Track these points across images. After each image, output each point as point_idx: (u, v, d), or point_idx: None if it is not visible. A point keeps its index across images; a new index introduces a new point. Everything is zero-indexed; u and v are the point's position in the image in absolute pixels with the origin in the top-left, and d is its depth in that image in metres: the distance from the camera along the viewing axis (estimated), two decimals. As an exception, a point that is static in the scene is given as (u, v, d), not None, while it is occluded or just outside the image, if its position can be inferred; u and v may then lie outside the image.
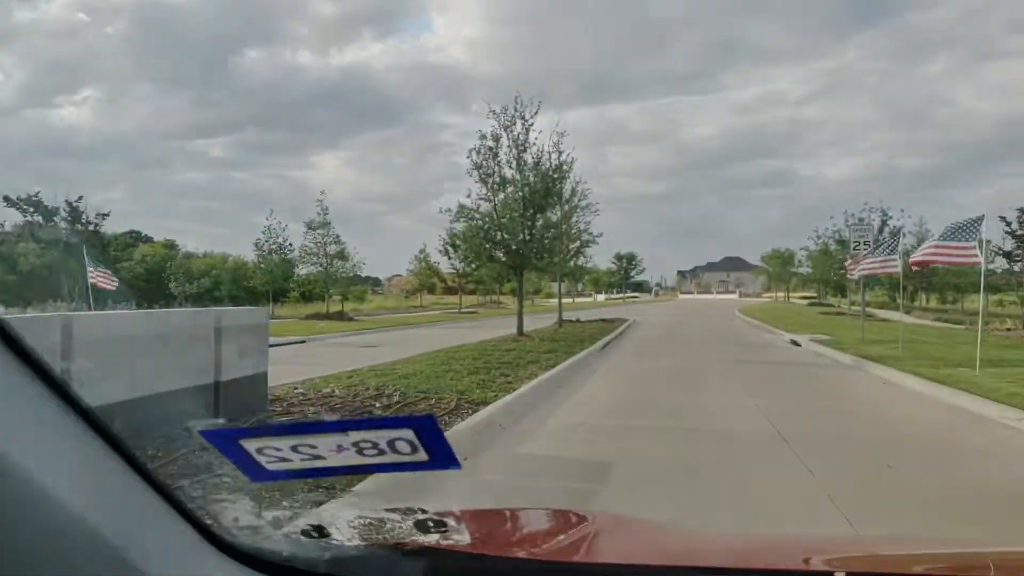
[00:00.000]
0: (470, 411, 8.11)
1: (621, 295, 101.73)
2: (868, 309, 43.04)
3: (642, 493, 5.57)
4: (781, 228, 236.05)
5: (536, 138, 18.89)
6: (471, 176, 18.90)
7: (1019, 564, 1.55)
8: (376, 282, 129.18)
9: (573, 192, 24.57)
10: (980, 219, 12.42)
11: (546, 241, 18.94)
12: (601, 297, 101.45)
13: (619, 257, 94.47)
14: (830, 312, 46.07)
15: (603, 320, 30.38)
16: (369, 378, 10.57)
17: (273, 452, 0.99)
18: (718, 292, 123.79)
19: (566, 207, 24.36)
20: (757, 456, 6.83)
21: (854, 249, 20.29)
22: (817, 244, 47.41)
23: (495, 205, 18.59)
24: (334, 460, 1.00)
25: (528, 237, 18.82)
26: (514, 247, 18.31)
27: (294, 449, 0.99)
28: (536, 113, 18.74)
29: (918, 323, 38.20)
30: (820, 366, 15.86)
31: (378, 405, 8.00)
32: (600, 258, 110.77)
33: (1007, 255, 29.81)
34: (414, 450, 1.00)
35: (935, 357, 15.87)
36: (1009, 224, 28.87)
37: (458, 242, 19.29)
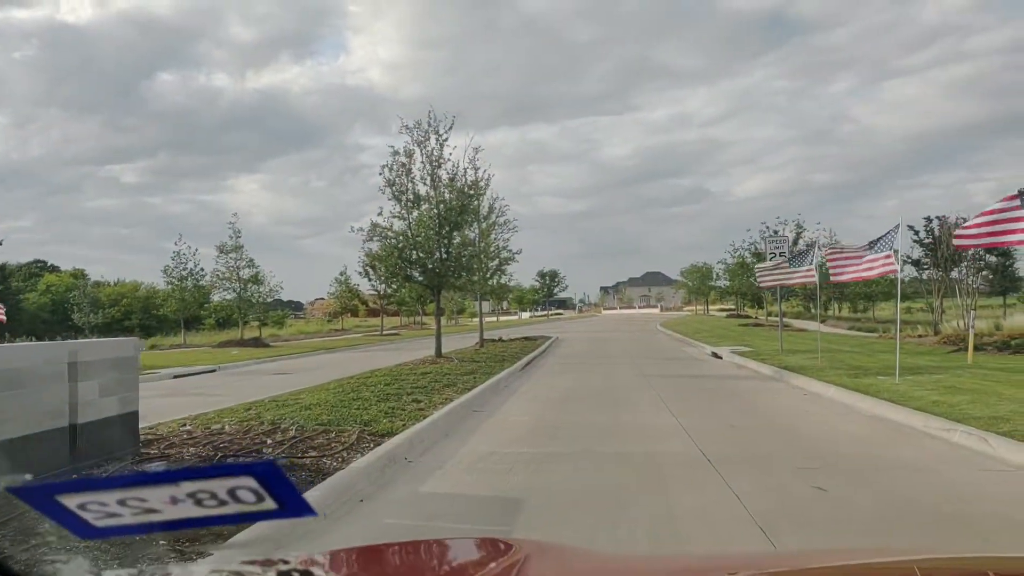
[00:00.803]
0: (373, 444, 7.42)
1: (545, 312, 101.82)
2: (784, 319, 44.05)
3: (557, 532, 5.01)
4: (699, 243, 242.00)
5: (451, 154, 18.39)
6: (383, 193, 18.24)
7: (946, 571, 1.58)
8: (298, 306, 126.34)
9: (491, 209, 24.16)
10: (896, 229, 12.45)
11: (464, 259, 18.36)
12: (526, 315, 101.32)
13: (542, 275, 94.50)
14: (748, 324, 46.87)
15: (526, 338, 29.96)
16: (268, 410, 9.74)
17: (98, 507, 0.90)
18: (640, 307, 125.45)
19: (484, 224, 23.92)
20: (682, 481, 6.36)
21: (770, 261, 20.39)
22: (734, 257, 48.30)
23: (409, 223, 17.94)
24: (170, 513, 0.91)
25: (445, 255, 18.21)
26: (430, 266, 17.66)
27: (122, 503, 0.90)
28: (450, 128, 18.24)
29: (833, 332, 39.16)
30: (742, 378, 15.71)
31: (270, 442, 7.22)
32: (523, 276, 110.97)
33: (915, 263, 30.75)
34: (259, 499, 0.91)
35: (854, 366, 15.93)
36: (917, 233, 29.76)
37: (376, 263, 18.53)
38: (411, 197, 18.08)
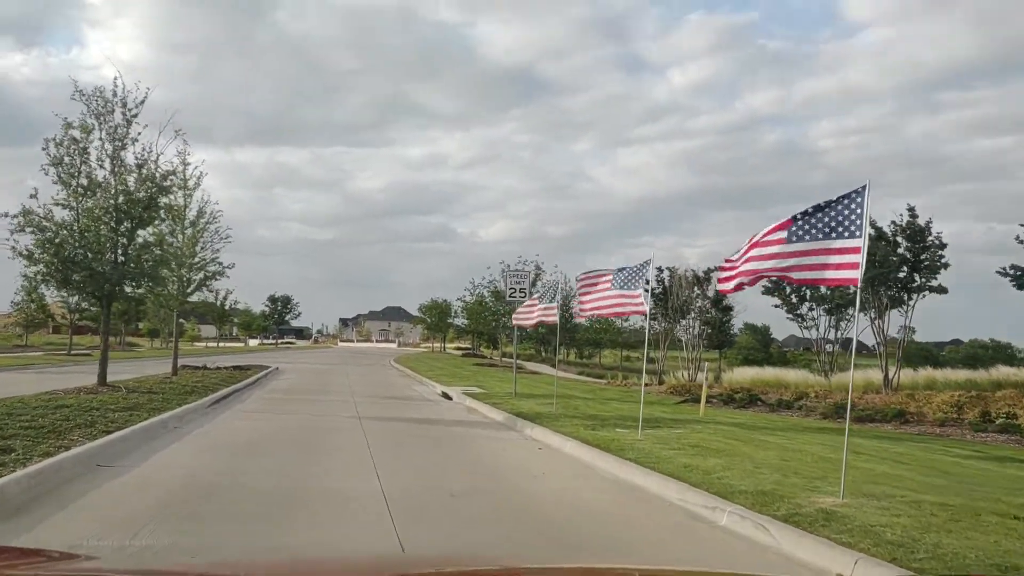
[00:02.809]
0: None
1: (274, 340, 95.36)
2: (518, 361, 43.91)
3: None
4: (444, 280, 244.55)
5: (140, 133, 14.80)
6: (47, 175, 14.19)
7: None
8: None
9: (200, 213, 20.52)
10: (647, 264, 11.25)
11: (146, 264, 14.71)
12: (254, 342, 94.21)
13: (273, 299, 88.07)
14: (483, 363, 46.15)
15: (236, 367, 26.15)
16: None
17: None
18: (378, 341, 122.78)
19: (190, 230, 20.21)
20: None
21: (510, 297, 18.98)
22: (473, 295, 47.56)
23: (79, 214, 14.03)
24: None
25: (121, 258, 14.50)
26: (99, 269, 13.86)
27: None
28: (142, 103, 14.69)
29: (564, 376, 39.37)
30: (470, 425, 13.78)
31: None
32: (254, 299, 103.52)
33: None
34: None
35: (590, 415, 14.68)
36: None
37: (25, 261, 14.22)
38: (83, 182, 14.23)
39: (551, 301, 15.90)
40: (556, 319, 15.68)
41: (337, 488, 7.32)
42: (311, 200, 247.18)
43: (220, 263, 20.77)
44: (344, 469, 8.50)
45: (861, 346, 28.22)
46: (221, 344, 75.80)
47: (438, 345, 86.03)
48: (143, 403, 12.46)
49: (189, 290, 20.13)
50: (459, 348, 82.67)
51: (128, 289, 14.71)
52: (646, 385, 30.84)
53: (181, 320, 78.64)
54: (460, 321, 69.07)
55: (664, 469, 8.21)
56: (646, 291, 11.43)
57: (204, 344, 77.21)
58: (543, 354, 75.98)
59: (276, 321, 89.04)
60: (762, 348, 76.56)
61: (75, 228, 14.02)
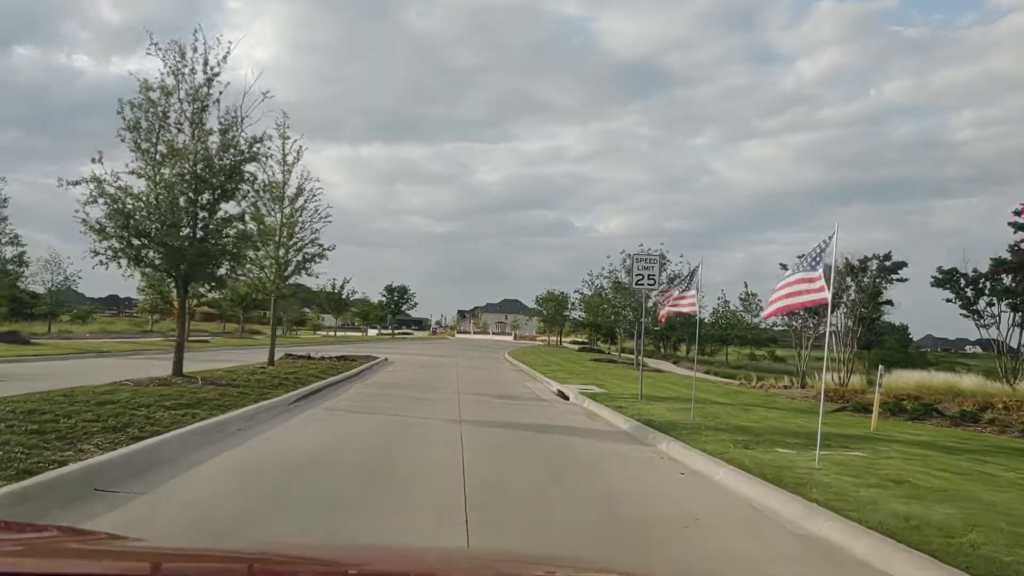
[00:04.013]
0: None
1: (390, 331, 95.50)
2: (633, 356, 40.86)
3: None
4: (560, 275, 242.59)
5: (222, 93, 13.15)
6: (123, 141, 12.74)
7: None
8: (129, 303, 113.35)
9: (299, 191, 19.00)
10: (830, 240, 8.46)
11: (228, 241, 13.08)
12: (373, 332, 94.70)
13: (390, 289, 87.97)
14: (601, 359, 43.46)
15: (341, 358, 24.71)
16: None
17: None
18: (494, 333, 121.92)
19: (287, 208, 18.71)
20: None
21: (636, 284, 16.37)
22: (591, 288, 44.79)
23: (154, 183, 12.51)
24: None
25: (201, 234, 12.92)
26: (175, 244, 12.30)
27: None
28: (225, 58, 13.05)
29: (690, 375, 36.17)
30: (591, 435, 11.35)
31: None
32: (373, 290, 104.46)
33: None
34: None
35: (737, 427, 11.96)
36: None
37: (94, 235, 12.82)
38: (164, 150, 12.70)
39: (687, 289, 13.23)
40: (695, 309, 12.99)
41: (414, 525, 5.09)
42: (430, 194, 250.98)
43: (320, 244, 19.17)
44: (427, 495, 6.31)
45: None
46: (339, 333, 76.33)
47: (554, 338, 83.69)
48: (211, 399, 10.73)
49: (287, 272, 18.62)
50: (575, 342, 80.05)
51: (207, 269, 13.06)
52: (784, 388, 27.39)
53: (305, 309, 79.77)
54: (577, 314, 66.43)
55: (875, 522, 5.56)
56: (826, 276, 8.64)
57: (323, 334, 77.98)
58: (663, 350, 72.38)
59: (393, 311, 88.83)
60: (900, 348, 70.21)
61: (149, 198, 12.50)
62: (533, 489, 7.13)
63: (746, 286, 54.27)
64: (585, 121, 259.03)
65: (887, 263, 27.10)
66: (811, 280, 8.65)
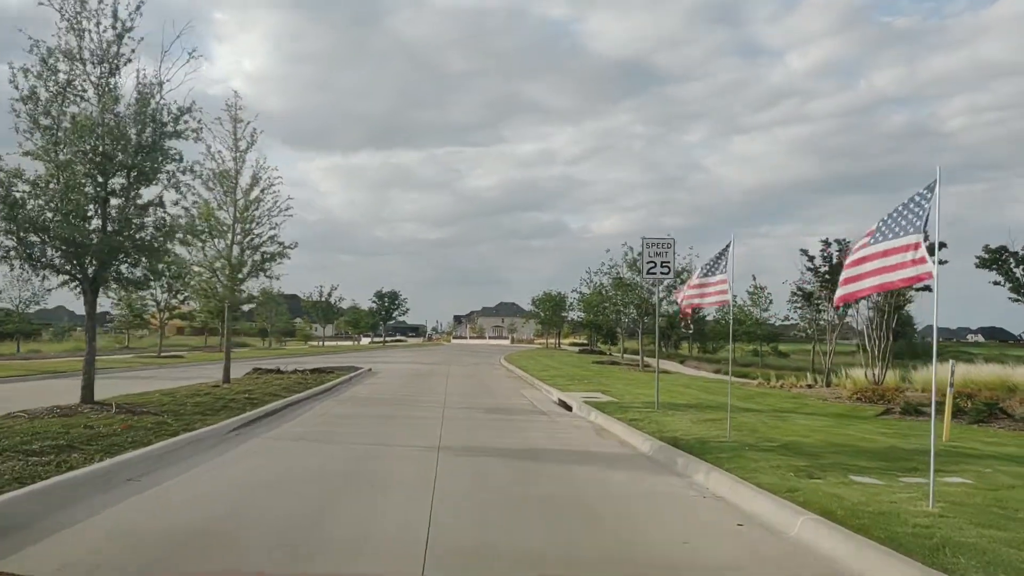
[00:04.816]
0: None
1: (381, 339, 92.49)
2: (637, 357, 38.31)
3: None
4: (556, 277, 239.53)
5: (134, 51, 10.71)
6: (18, 116, 10.29)
7: None
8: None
9: (255, 180, 16.55)
10: (932, 186, 6.03)
11: (144, 233, 10.59)
12: (366, 340, 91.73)
13: (380, 295, 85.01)
14: (603, 361, 40.95)
15: (316, 370, 22.25)
16: None
17: None
18: (491, 337, 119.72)
19: (241, 201, 16.26)
20: None
21: (649, 272, 13.97)
22: (591, 286, 42.25)
23: (56, 165, 10.06)
24: None
25: (114, 226, 10.46)
26: (78, 238, 9.86)
27: None
28: (139, 7, 10.60)
29: (700, 375, 33.72)
30: (604, 461, 8.90)
31: None
32: (364, 298, 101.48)
33: (807, 297, 25.17)
34: None
35: (784, 445, 9.52)
36: (812, 259, 24.04)
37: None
38: (67, 124, 10.24)
39: (711, 273, 10.81)
40: (727, 298, 10.55)
41: None
42: (423, 200, 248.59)
43: (281, 242, 16.68)
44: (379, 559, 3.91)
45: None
46: (330, 343, 73.64)
47: (552, 341, 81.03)
48: (109, 434, 8.28)
49: (242, 275, 16.15)
50: (574, 344, 77.43)
51: (121, 268, 10.61)
52: (809, 387, 24.76)
53: (296, 319, 76.98)
54: (576, 315, 63.95)
55: None
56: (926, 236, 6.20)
57: (312, 344, 75.29)
58: (664, 349, 69.63)
59: (384, 317, 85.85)
60: (909, 340, 67.92)
61: (49, 184, 10.05)
62: (528, 568, 4.70)
63: (754, 279, 51.67)
64: (577, 122, 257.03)
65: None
66: (905, 249, 6.23)
